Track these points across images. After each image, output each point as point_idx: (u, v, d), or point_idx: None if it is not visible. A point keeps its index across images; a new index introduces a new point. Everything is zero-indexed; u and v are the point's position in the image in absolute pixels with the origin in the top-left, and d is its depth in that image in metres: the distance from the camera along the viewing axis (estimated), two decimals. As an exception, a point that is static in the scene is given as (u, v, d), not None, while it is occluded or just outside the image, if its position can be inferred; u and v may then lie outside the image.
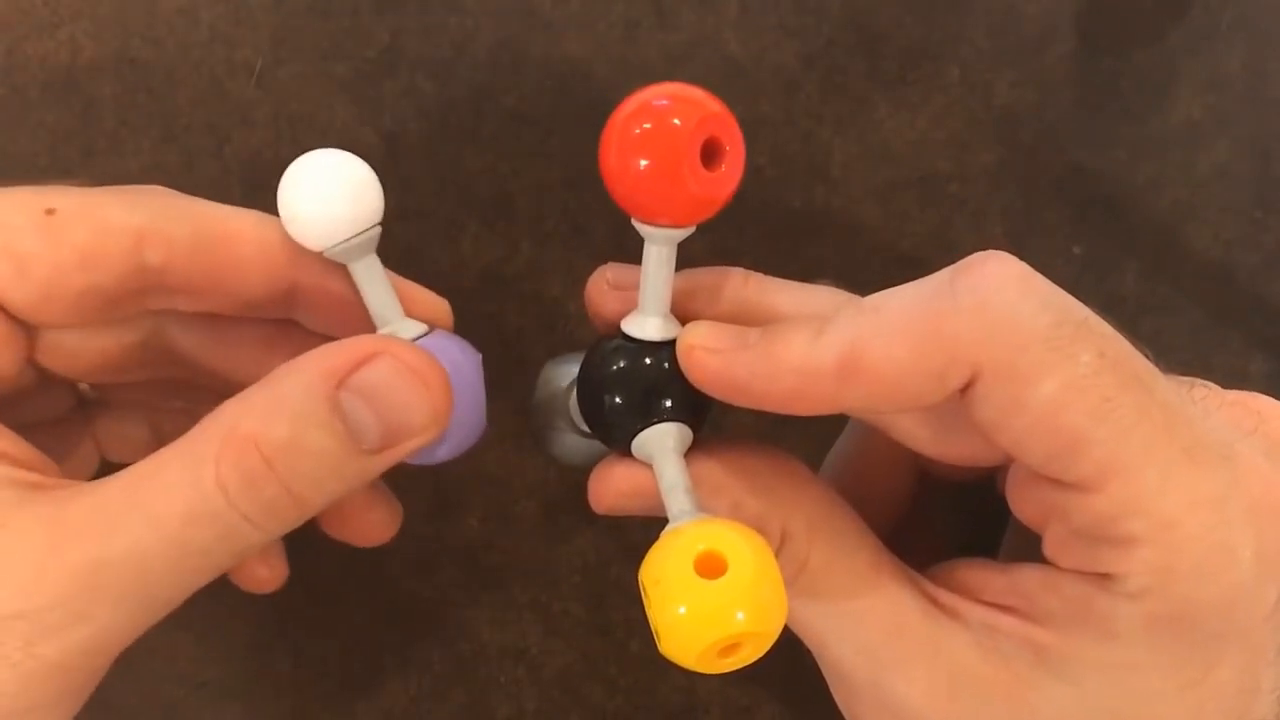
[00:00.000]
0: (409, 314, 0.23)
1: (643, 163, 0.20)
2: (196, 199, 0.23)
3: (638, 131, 0.20)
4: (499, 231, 0.32)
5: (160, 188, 0.23)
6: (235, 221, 0.23)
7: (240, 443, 0.19)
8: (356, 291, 0.23)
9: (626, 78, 0.33)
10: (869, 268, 0.33)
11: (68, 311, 0.21)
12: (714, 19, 0.33)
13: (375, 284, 0.23)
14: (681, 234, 0.21)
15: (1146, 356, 0.20)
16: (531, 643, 0.32)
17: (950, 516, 0.27)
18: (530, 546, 0.32)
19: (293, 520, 0.20)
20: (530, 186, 0.32)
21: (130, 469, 0.20)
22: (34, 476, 0.20)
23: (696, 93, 0.20)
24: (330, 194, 0.22)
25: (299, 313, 0.24)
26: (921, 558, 0.23)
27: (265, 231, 0.23)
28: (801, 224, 0.33)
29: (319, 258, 0.22)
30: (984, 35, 0.33)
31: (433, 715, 0.32)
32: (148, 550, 0.19)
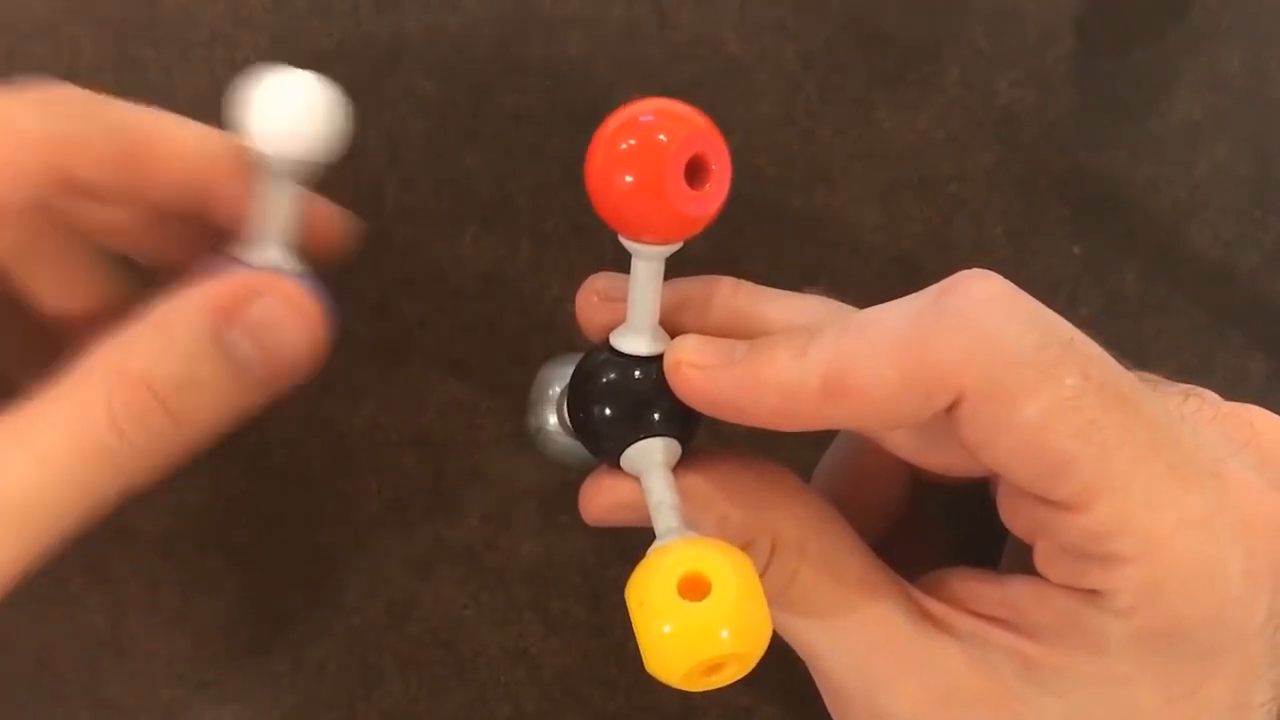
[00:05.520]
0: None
1: (627, 179, 0.19)
2: (112, 102, 0.23)
3: (623, 147, 0.19)
4: (499, 231, 0.32)
5: (75, 89, 0.23)
6: (157, 131, 0.23)
7: (132, 383, 0.20)
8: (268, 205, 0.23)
9: (626, 78, 0.32)
10: (869, 268, 0.33)
11: None
12: (714, 19, 0.33)
13: (287, 209, 0.23)
14: (668, 250, 0.21)
15: (1128, 367, 0.20)
16: (531, 643, 0.32)
17: (946, 519, 0.27)
18: (530, 546, 0.32)
19: (183, 449, 0.21)
20: (530, 186, 0.32)
21: (10, 411, 0.20)
22: None
23: (683, 109, 0.20)
24: (314, 111, 0.23)
25: (214, 215, 0.24)
26: (917, 561, 0.23)
27: (187, 142, 0.23)
28: (801, 224, 0.33)
29: (243, 170, 0.23)
30: (984, 35, 0.33)
31: (433, 715, 0.32)
32: (35, 487, 0.20)
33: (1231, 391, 0.31)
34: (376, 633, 0.32)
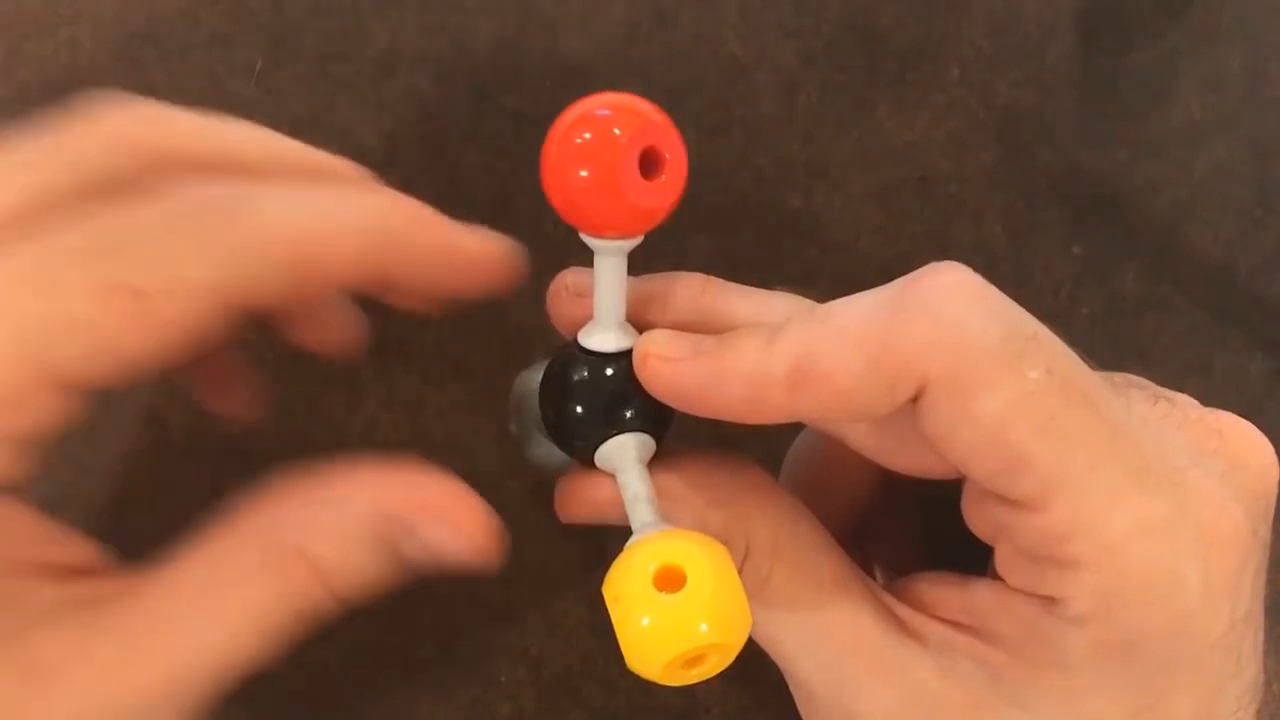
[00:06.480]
0: None
1: (581, 173, 0.19)
2: (265, 205, 0.21)
3: (577, 142, 0.19)
4: (499, 231, 0.32)
5: (217, 195, 0.21)
6: (322, 248, 0.21)
7: (302, 565, 0.20)
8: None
9: (626, 78, 0.32)
10: (869, 268, 0.33)
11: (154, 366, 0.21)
12: (714, 19, 0.33)
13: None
14: (628, 244, 0.21)
15: (1093, 367, 0.20)
16: (531, 643, 0.32)
17: (920, 508, 0.27)
18: (530, 547, 0.32)
19: (334, 609, 0.22)
20: (530, 186, 0.32)
21: (184, 566, 0.20)
22: (89, 588, 0.20)
23: (634, 101, 0.20)
24: None
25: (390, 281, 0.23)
26: (889, 554, 0.23)
27: (354, 243, 0.21)
28: (802, 224, 0.33)
29: (405, 240, 0.22)
30: (984, 35, 0.33)
31: (433, 715, 0.32)
32: (218, 652, 0.20)
33: (1231, 391, 0.31)
34: (376, 633, 0.32)
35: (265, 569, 0.20)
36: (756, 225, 0.33)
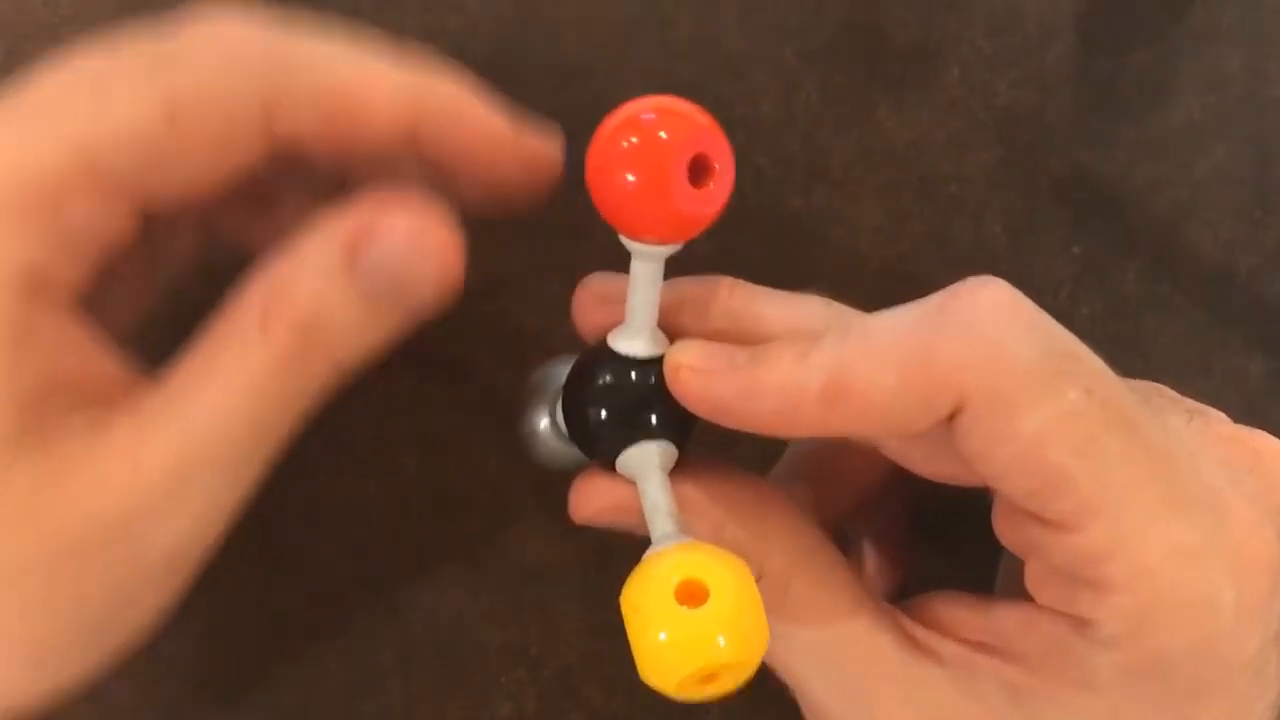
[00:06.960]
0: None
1: (629, 178, 0.19)
2: (315, 44, 0.22)
3: (625, 145, 0.19)
4: (499, 232, 0.32)
5: (257, 26, 0.22)
6: (364, 86, 0.21)
7: (283, 317, 0.20)
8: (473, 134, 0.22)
9: (626, 78, 0.32)
10: (869, 268, 0.33)
11: (200, 193, 0.21)
12: (714, 19, 0.33)
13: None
14: (669, 250, 0.21)
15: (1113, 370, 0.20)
16: (531, 643, 0.32)
17: (918, 503, 0.26)
18: (531, 547, 0.32)
19: (333, 376, 0.21)
20: (530, 186, 0.32)
21: (189, 356, 0.21)
22: (108, 397, 0.21)
23: (685, 106, 0.20)
24: None
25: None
26: (882, 535, 0.23)
27: (394, 91, 0.22)
28: (802, 224, 0.33)
29: (447, 107, 0.22)
30: (984, 35, 0.33)
31: (433, 715, 0.32)
32: (228, 422, 0.20)
33: (1231, 391, 0.31)
34: (376, 633, 0.32)
35: (251, 331, 0.20)
36: (756, 225, 0.33)
